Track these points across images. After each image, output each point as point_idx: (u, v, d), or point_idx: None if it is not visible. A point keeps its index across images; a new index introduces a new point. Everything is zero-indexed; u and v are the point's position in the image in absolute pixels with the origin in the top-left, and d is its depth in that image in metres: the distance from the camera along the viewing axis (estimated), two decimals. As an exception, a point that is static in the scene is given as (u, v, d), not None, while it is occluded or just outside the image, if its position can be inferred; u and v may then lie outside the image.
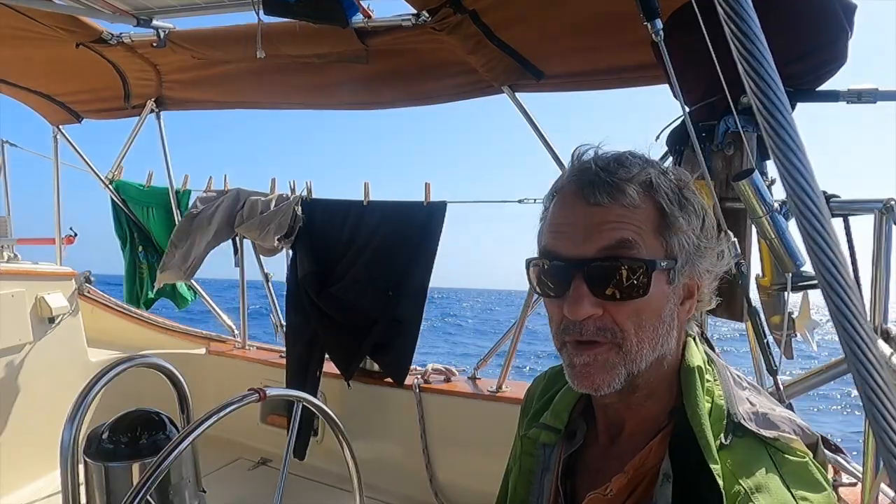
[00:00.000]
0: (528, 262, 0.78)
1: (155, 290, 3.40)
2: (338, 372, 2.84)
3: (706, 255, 0.77)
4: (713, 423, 0.72)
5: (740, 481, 0.67)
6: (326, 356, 2.81)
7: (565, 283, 0.73)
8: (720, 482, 0.67)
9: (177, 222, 3.17)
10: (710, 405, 0.74)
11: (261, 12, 1.90)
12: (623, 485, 0.75)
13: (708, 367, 0.79)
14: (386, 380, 2.78)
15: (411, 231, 2.65)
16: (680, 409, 0.75)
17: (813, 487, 0.68)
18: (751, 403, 0.75)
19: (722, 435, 0.71)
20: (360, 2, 1.93)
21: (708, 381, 0.77)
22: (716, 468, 0.67)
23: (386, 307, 2.68)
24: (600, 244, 0.71)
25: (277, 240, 2.78)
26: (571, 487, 0.86)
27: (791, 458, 0.70)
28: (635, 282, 0.70)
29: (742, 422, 0.72)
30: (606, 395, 0.76)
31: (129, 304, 3.50)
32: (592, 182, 0.72)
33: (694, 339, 0.82)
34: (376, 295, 2.69)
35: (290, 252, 2.88)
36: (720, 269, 0.80)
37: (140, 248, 3.42)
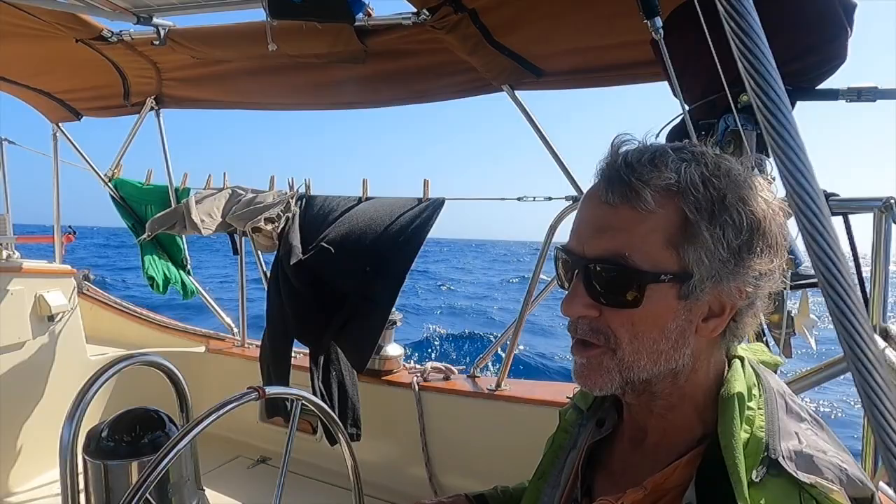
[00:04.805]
0: (555, 252, 0.78)
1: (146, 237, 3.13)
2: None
3: (741, 273, 0.68)
4: (748, 457, 0.65)
5: None
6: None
7: (570, 279, 0.73)
8: None
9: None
10: (748, 436, 0.67)
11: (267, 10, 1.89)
12: (638, 500, 0.71)
13: (754, 393, 0.72)
14: (385, 378, 2.78)
15: (404, 222, 2.59)
16: (714, 436, 0.69)
17: None
18: (799, 440, 0.67)
19: (755, 470, 0.65)
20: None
21: (751, 408, 0.70)
22: None
23: (360, 284, 2.56)
24: (601, 247, 0.69)
25: (265, 221, 2.69)
26: (592, 476, 0.85)
27: None
28: (627, 294, 0.68)
29: (779, 459, 0.65)
30: (626, 396, 0.77)
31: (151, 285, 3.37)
32: (611, 179, 0.70)
33: (742, 360, 0.77)
34: (353, 269, 2.57)
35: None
36: (762, 291, 0.70)
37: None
